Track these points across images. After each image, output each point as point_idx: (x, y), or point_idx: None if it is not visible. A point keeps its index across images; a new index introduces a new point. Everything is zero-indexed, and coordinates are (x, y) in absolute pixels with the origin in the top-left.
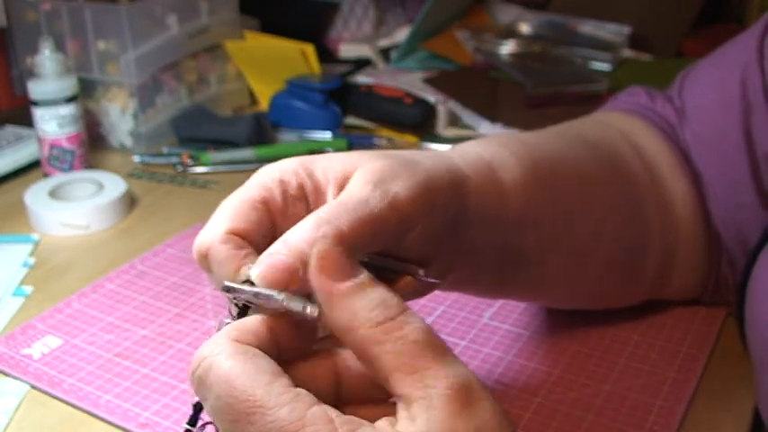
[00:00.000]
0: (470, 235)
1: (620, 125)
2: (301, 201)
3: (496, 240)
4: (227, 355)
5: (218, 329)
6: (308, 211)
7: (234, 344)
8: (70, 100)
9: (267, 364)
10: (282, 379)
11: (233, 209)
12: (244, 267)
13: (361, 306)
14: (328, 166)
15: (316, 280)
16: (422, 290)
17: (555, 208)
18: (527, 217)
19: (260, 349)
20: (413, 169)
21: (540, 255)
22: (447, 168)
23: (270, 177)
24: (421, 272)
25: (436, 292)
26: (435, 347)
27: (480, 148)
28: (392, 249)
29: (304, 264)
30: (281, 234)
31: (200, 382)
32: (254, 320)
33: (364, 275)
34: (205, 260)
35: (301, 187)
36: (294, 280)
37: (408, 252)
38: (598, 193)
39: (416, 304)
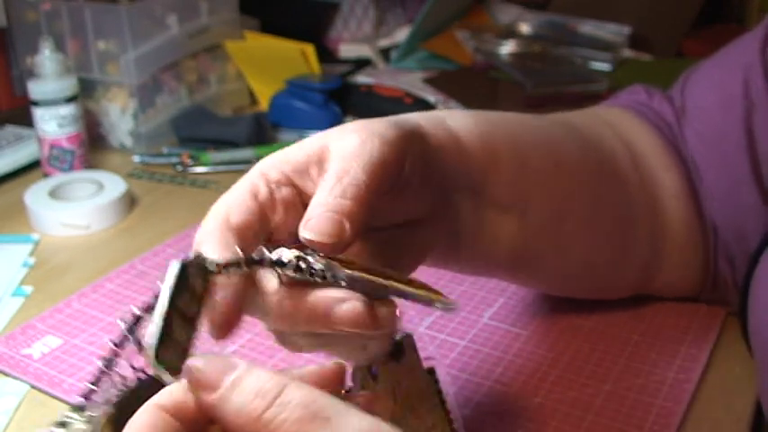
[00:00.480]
0: (441, 183)
1: (612, 118)
2: (286, 185)
3: (464, 184)
4: (144, 426)
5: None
6: (295, 192)
7: (156, 413)
8: (70, 100)
9: None
10: None
11: (224, 204)
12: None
13: (240, 405)
14: (303, 148)
15: (196, 398)
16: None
17: (517, 153)
18: (487, 159)
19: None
20: (380, 120)
21: (512, 200)
22: (405, 120)
23: (252, 172)
24: (440, 303)
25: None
26: (316, 418)
27: (444, 113)
28: (392, 210)
29: (344, 215)
30: (278, 221)
31: None
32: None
33: (239, 369)
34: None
35: (282, 174)
36: (343, 230)
37: (405, 209)
38: (570, 153)
39: (416, 304)
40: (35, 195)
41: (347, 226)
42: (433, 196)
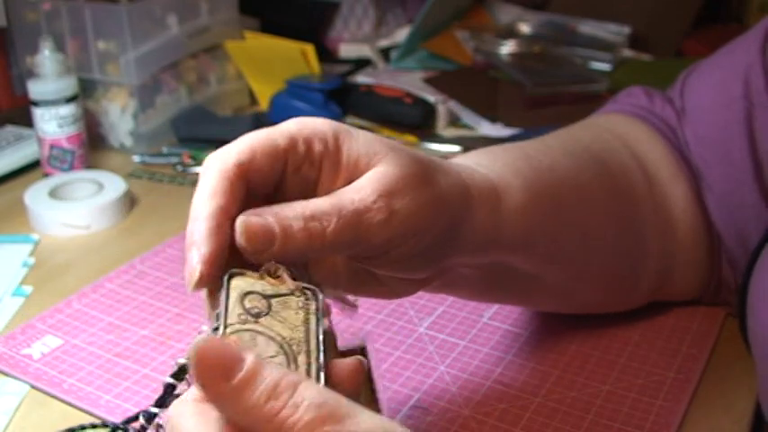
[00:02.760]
0: (457, 259)
1: (621, 130)
2: (315, 167)
3: (484, 259)
4: (189, 416)
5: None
6: (316, 178)
7: (196, 404)
8: (70, 100)
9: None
10: None
11: (254, 141)
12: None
13: (251, 404)
14: (355, 148)
15: (199, 378)
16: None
17: (551, 232)
18: (520, 242)
19: None
20: (425, 187)
21: (532, 270)
22: (459, 193)
23: (301, 133)
24: (349, 300)
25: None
26: (330, 418)
27: (494, 172)
28: (374, 253)
29: (282, 236)
30: (281, 189)
31: None
32: None
33: (250, 362)
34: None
35: (321, 156)
36: (269, 244)
37: (390, 257)
38: (598, 214)
39: (416, 304)
40: (35, 195)
41: (275, 247)
42: (437, 267)
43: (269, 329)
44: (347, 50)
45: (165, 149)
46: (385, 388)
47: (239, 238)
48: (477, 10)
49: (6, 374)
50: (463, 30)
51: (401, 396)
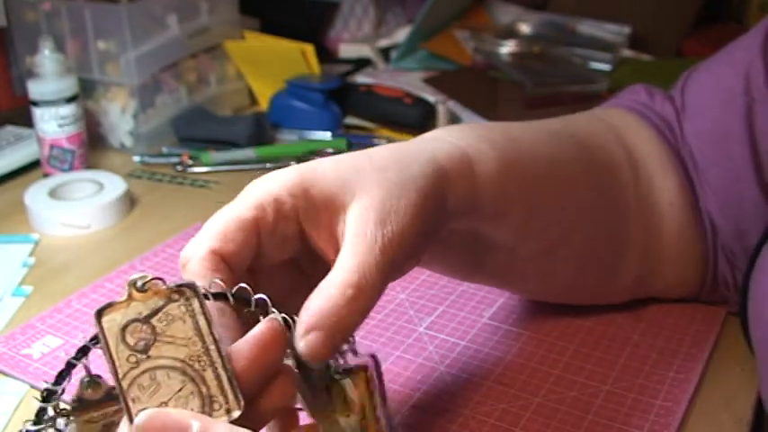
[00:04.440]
0: (442, 221)
1: (614, 121)
2: (292, 221)
3: (464, 226)
4: None
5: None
6: (296, 229)
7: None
8: (70, 100)
9: None
10: None
11: (222, 226)
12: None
13: None
14: (326, 189)
15: None
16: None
17: (530, 203)
18: (500, 209)
19: None
20: (406, 191)
21: (510, 242)
22: (435, 173)
23: (266, 195)
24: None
25: (436, 292)
26: None
27: (466, 141)
28: None
29: (339, 331)
30: (261, 252)
31: None
32: None
33: (197, 429)
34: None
35: (295, 209)
36: (336, 344)
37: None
38: (576, 191)
39: (416, 304)
40: (35, 195)
41: (338, 341)
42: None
43: (163, 358)
44: (347, 50)
45: (165, 149)
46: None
47: (307, 357)
48: (477, 10)
49: (6, 374)
50: (463, 30)
51: (401, 396)
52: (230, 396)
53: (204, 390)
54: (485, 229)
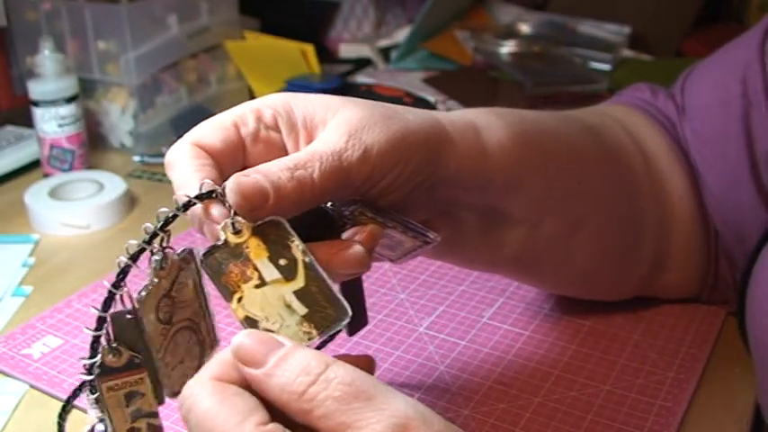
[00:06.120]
0: (452, 195)
1: (621, 117)
2: (275, 130)
3: (480, 201)
4: (205, 396)
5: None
6: (281, 140)
7: (213, 383)
8: (70, 100)
9: (243, 402)
10: (255, 416)
11: (201, 127)
12: (206, 181)
13: (284, 381)
14: (308, 106)
15: (242, 371)
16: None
17: (546, 174)
18: (513, 179)
19: (242, 383)
20: (390, 120)
21: (530, 216)
22: (430, 125)
23: (247, 107)
24: (432, 235)
25: (436, 292)
26: (361, 395)
27: (472, 114)
28: (364, 196)
29: (275, 190)
30: (250, 161)
31: (185, 421)
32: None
33: (284, 348)
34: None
35: (275, 119)
36: (264, 200)
37: (382, 201)
38: (593, 173)
39: (416, 305)
40: (35, 195)
41: (270, 202)
42: (436, 207)
43: (180, 322)
44: (347, 50)
45: (164, 149)
46: None
47: (234, 197)
48: (477, 10)
49: (6, 374)
50: (463, 30)
51: None
52: (213, 335)
53: (200, 337)
54: (502, 204)
